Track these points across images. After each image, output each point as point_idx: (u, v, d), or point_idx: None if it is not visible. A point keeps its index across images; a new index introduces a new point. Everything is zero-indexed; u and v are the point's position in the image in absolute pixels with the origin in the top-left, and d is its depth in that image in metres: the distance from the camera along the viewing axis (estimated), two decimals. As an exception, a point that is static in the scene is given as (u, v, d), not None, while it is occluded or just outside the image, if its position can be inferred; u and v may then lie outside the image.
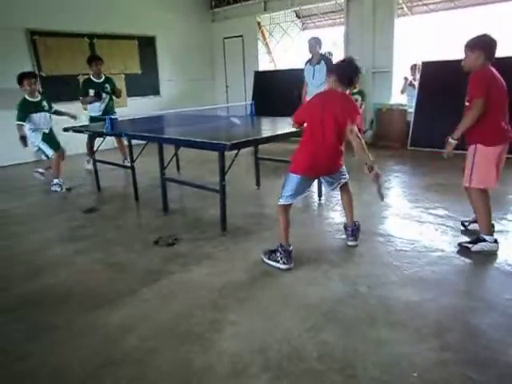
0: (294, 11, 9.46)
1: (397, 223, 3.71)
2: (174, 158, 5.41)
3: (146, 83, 8.99)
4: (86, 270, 3.06)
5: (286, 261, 2.90)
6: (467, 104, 2.94)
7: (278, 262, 2.92)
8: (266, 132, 4.34)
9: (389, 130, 7.35)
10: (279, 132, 4.08)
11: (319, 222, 3.89)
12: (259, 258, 3.08)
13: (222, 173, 3.49)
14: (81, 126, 5.22)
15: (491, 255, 2.96)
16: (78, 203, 4.74)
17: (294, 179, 2.97)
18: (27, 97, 5.29)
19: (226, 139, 3.39)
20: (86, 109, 6.19)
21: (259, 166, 5.05)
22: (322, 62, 5.66)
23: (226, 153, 3.36)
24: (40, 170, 5.83)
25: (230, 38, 9.82)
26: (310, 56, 5.87)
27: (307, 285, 2.69)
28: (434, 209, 3.98)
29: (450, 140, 2.96)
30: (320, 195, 4.52)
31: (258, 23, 9.47)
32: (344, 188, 3.23)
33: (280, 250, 2.92)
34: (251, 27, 9.44)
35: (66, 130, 5.12)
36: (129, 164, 5.62)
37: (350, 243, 3.26)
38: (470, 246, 3.05)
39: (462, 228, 3.45)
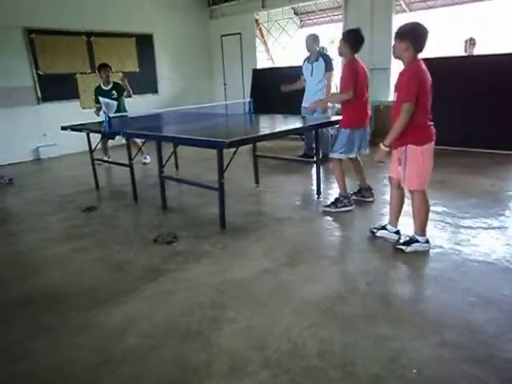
0: (292, 8, 9.45)
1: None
2: (173, 156, 5.40)
3: (143, 81, 8.96)
4: (85, 269, 3.06)
5: (350, 203, 3.93)
6: (394, 99, 2.92)
7: (347, 205, 3.91)
8: (265, 129, 4.33)
9: (387, 127, 7.34)
10: (277, 129, 4.08)
11: (318, 220, 3.89)
12: (258, 255, 3.09)
13: (221, 170, 3.48)
14: (79, 125, 5.20)
15: (492, 252, 2.96)
16: (76, 202, 4.73)
17: (345, 134, 3.78)
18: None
19: (225, 137, 3.38)
20: (98, 115, 6.15)
21: (258, 164, 5.05)
22: (321, 58, 5.64)
23: (225, 150, 3.36)
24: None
25: (228, 35, 9.80)
26: (308, 53, 5.84)
27: (307, 281, 2.69)
28: (432, 205, 3.93)
29: (382, 147, 2.89)
30: (319, 193, 4.52)
31: (256, 20, 9.45)
32: (355, 159, 4.07)
33: (342, 197, 3.92)
34: (249, 24, 9.42)
35: (63, 128, 5.11)
36: (148, 160, 6.08)
37: (370, 199, 4.18)
38: (404, 247, 3.03)
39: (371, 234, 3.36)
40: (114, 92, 6.15)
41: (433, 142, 2.94)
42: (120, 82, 6.19)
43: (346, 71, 3.74)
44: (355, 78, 3.67)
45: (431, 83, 2.88)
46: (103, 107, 6.12)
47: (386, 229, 3.27)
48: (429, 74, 2.86)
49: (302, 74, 5.90)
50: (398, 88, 2.86)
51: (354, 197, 4.17)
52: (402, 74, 2.84)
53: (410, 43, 2.74)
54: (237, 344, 2.10)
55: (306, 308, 2.39)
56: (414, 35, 2.75)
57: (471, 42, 6.72)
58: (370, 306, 2.39)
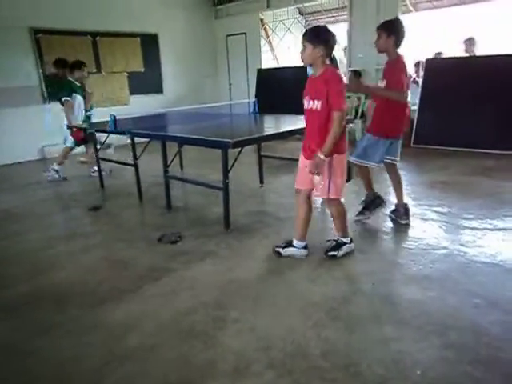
0: (297, 8, 9.43)
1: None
2: (177, 156, 5.40)
3: (148, 81, 8.97)
4: (90, 268, 3.08)
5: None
6: (314, 107, 2.67)
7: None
8: (269, 129, 4.33)
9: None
10: (282, 129, 4.08)
11: (323, 220, 3.89)
12: (262, 255, 3.09)
13: (226, 170, 3.48)
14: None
15: (497, 253, 2.95)
16: (81, 201, 4.75)
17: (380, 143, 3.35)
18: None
19: (230, 137, 3.39)
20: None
21: (262, 164, 5.05)
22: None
23: (230, 150, 3.36)
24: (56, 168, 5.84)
25: (233, 35, 9.80)
26: None
27: (311, 282, 2.68)
28: (437, 206, 3.96)
29: (322, 157, 2.66)
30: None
31: (261, 20, 9.45)
32: (393, 169, 3.58)
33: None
34: (254, 24, 9.41)
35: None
36: (95, 174, 5.60)
37: (403, 222, 3.58)
38: (335, 253, 2.99)
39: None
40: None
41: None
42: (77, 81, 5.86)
43: (396, 69, 3.20)
44: (403, 79, 3.17)
45: None
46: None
47: (293, 246, 3.06)
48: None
49: (307, 75, 5.87)
50: (321, 90, 2.62)
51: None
52: (329, 78, 2.60)
53: (323, 46, 2.57)
54: (241, 344, 2.10)
55: (309, 308, 2.39)
56: (324, 39, 2.58)
57: (470, 42, 6.71)
58: (375, 306, 2.38)
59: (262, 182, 5.07)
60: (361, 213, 3.73)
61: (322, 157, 2.67)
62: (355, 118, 6.54)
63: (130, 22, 8.48)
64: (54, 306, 2.56)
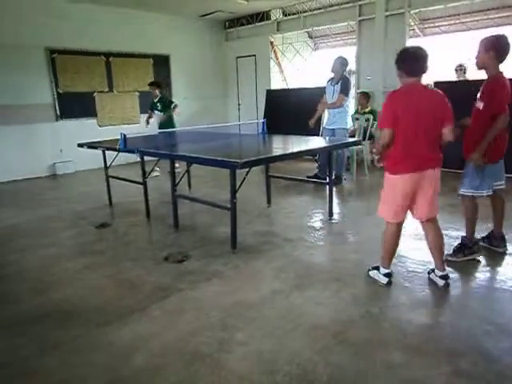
0: (307, 32, 9.58)
1: (408, 244, 3.65)
2: (186, 175, 5.43)
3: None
4: (96, 286, 3.07)
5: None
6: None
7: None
8: (278, 150, 4.35)
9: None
10: (291, 150, 4.10)
11: (330, 242, 3.86)
12: (268, 276, 3.07)
13: (233, 190, 3.49)
14: (95, 142, 5.28)
15: (508, 278, 2.90)
16: (89, 218, 4.78)
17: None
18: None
19: (238, 157, 3.41)
20: None
21: (270, 184, 5.06)
22: (340, 81, 5.68)
23: (238, 170, 3.38)
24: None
25: (243, 57, 9.97)
26: (332, 75, 5.86)
27: (318, 305, 2.65)
28: (445, 229, 3.90)
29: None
30: (331, 215, 4.49)
31: (271, 43, 9.61)
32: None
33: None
34: (264, 47, 9.57)
35: (80, 145, 5.21)
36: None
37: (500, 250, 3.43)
38: (370, 268, 3.00)
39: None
40: None
41: (407, 175, 2.61)
42: None
43: (495, 88, 2.95)
44: (506, 100, 2.94)
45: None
46: None
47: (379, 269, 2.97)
48: (417, 98, 2.64)
49: (325, 93, 5.94)
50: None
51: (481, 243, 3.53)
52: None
53: (401, 68, 2.69)
54: (246, 367, 2.07)
55: (316, 332, 2.35)
56: (402, 60, 2.69)
57: (459, 68, 7.04)
58: (383, 331, 2.34)
59: (269, 202, 5.07)
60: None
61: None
62: (363, 139, 6.55)
63: (143, 44, 8.67)
64: (59, 324, 2.55)
